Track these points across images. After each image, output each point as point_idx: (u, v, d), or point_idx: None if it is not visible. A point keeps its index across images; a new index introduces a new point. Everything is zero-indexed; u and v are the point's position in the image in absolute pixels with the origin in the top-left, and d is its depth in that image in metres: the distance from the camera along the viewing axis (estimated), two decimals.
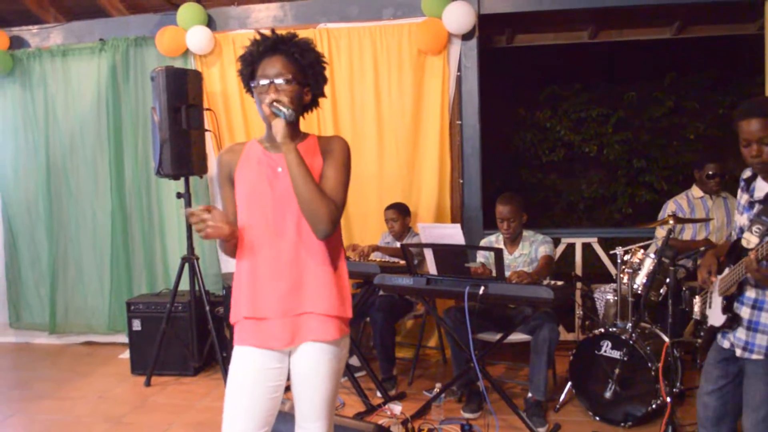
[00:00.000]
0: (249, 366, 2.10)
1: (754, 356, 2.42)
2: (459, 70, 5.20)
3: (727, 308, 2.52)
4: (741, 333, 2.47)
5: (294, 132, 2.13)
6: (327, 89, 2.23)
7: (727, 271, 2.53)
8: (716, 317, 2.59)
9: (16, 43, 5.93)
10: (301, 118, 2.18)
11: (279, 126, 2.01)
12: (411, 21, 5.16)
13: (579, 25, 6.27)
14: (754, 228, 2.40)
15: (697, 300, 2.88)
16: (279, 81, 2.05)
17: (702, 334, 2.81)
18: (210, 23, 5.48)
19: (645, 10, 5.53)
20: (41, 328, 6.03)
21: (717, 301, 2.60)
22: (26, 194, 5.98)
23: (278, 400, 2.13)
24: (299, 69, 2.10)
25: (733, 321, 2.49)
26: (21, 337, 6.15)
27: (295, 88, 2.08)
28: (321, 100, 2.24)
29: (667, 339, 3.70)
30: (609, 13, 5.73)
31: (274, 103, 2.01)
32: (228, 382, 2.12)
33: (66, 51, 5.78)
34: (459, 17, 4.96)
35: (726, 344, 2.55)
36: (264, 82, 2.07)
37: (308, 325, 2.10)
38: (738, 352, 2.48)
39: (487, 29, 5.53)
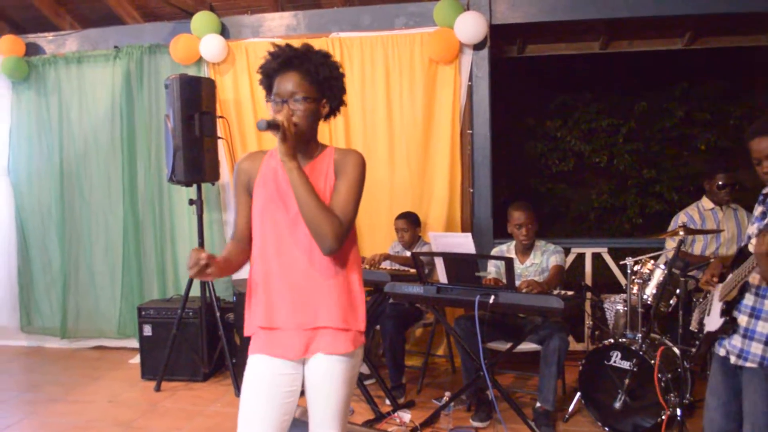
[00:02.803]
0: (263, 372, 2.11)
1: (748, 364, 2.44)
2: (470, 79, 5.22)
3: (726, 312, 2.53)
4: (736, 340, 2.49)
5: (310, 145, 2.16)
6: (345, 102, 2.23)
7: (730, 276, 2.55)
8: (714, 322, 2.61)
9: (32, 49, 5.99)
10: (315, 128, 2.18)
11: (279, 145, 2.00)
12: (423, 31, 5.19)
13: (590, 35, 6.28)
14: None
15: (696, 312, 2.90)
16: (293, 99, 2.06)
17: (697, 342, 2.83)
18: (223, 31, 5.53)
19: (656, 20, 5.54)
20: (53, 332, 6.07)
21: (716, 307, 2.62)
22: (39, 199, 6.03)
23: (293, 405, 2.14)
24: (315, 84, 2.09)
25: (729, 325, 2.50)
26: (32, 341, 6.19)
27: (309, 106, 2.08)
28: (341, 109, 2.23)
29: (677, 350, 3.70)
30: (620, 24, 5.75)
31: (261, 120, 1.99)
32: (242, 389, 2.13)
33: (81, 58, 5.84)
34: (471, 27, 4.99)
35: (722, 352, 2.56)
36: (278, 100, 2.07)
37: (322, 338, 2.11)
38: (732, 359, 2.49)
39: (499, 39, 5.56)
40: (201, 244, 4.97)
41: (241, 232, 2.21)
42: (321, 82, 2.10)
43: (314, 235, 2.05)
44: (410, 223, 4.86)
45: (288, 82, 2.07)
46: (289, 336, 2.10)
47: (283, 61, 2.08)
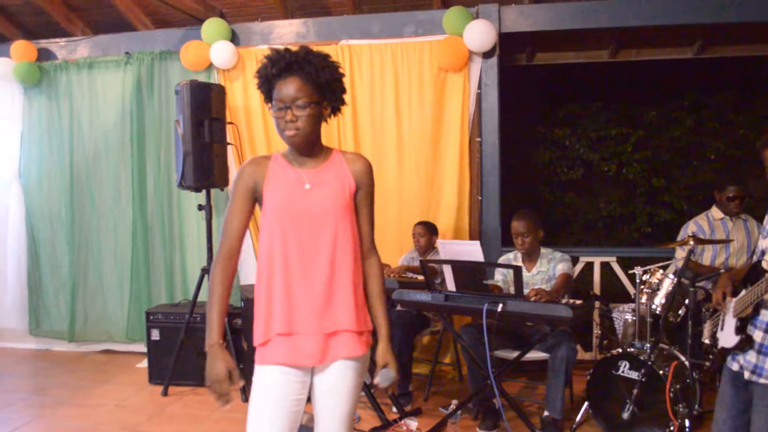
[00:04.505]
0: (273, 380, 2.10)
1: (762, 380, 2.41)
2: (479, 87, 5.23)
3: (741, 329, 2.50)
4: (751, 356, 2.46)
5: (317, 147, 2.17)
6: (347, 106, 2.24)
7: (744, 292, 2.51)
8: (728, 338, 2.58)
9: (44, 55, 6.04)
10: (321, 132, 2.19)
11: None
12: (432, 39, 5.20)
13: (599, 44, 6.27)
14: None
15: (707, 324, 2.87)
16: (296, 104, 2.05)
17: (711, 357, 2.80)
18: (234, 38, 5.56)
19: (666, 29, 5.52)
20: (61, 335, 6.09)
21: (730, 323, 2.58)
22: (49, 203, 6.07)
23: (300, 413, 2.14)
24: (316, 88, 2.08)
25: (745, 342, 2.48)
26: (41, 344, 6.21)
27: (313, 110, 2.07)
28: (342, 109, 2.22)
29: (685, 360, 3.68)
30: (630, 33, 5.74)
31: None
32: (251, 396, 2.12)
33: (92, 63, 5.88)
34: (480, 35, 5.00)
35: (735, 366, 2.54)
36: (280, 106, 2.06)
37: (340, 342, 2.11)
38: (746, 375, 2.47)
39: (508, 47, 5.56)
40: (209, 249, 4.99)
41: (233, 240, 2.16)
42: (323, 85, 2.09)
43: None
44: (428, 230, 4.89)
45: (290, 87, 2.05)
46: (308, 341, 2.08)
47: (284, 65, 2.06)
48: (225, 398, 2.06)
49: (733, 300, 2.58)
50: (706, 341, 2.90)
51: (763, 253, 2.51)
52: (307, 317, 2.09)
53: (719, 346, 2.67)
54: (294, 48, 2.11)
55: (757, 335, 2.45)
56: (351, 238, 2.14)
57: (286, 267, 2.10)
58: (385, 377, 2.13)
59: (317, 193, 2.10)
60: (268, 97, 2.13)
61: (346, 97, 2.21)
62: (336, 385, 2.13)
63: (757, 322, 2.46)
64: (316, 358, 2.10)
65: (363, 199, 2.22)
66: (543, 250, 4.33)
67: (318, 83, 2.08)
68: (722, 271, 4.05)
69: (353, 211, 2.19)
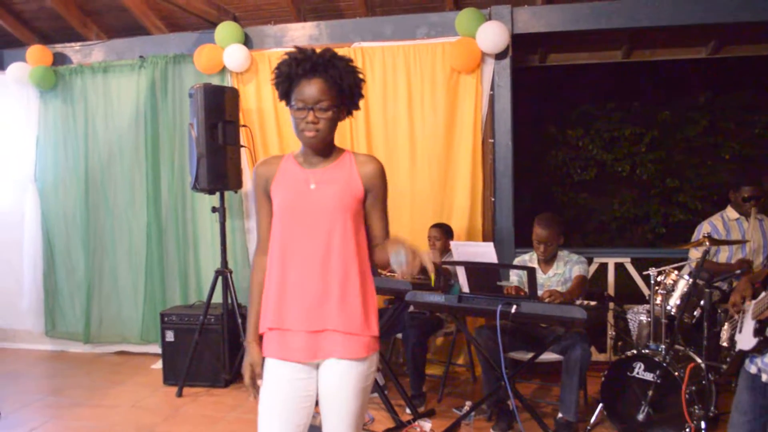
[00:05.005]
0: (279, 377, 2.13)
1: None
2: (492, 89, 5.22)
3: (759, 331, 2.48)
4: None
5: (328, 148, 2.18)
6: (360, 106, 2.24)
7: (763, 294, 2.50)
8: (746, 341, 2.55)
9: (59, 59, 6.10)
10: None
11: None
12: (445, 40, 5.20)
13: (613, 44, 6.25)
14: None
15: (726, 327, 2.85)
16: (318, 107, 2.06)
17: (728, 359, 2.78)
18: (247, 41, 5.59)
19: (680, 29, 5.49)
20: (76, 337, 6.14)
21: (749, 325, 2.56)
22: (65, 206, 6.12)
23: (309, 410, 2.14)
24: (338, 92, 2.09)
25: (764, 345, 2.46)
26: (57, 346, 6.27)
27: (333, 114, 2.09)
28: (354, 113, 2.24)
29: (701, 362, 3.66)
30: (643, 33, 5.71)
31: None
32: (261, 393, 2.15)
33: (107, 67, 5.93)
34: (493, 37, 4.99)
35: (753, 369, 2.52)
36: (301, 106, 2.07)
37: (330, 342, 2.11)
38: (764, 378, 2.45)
39: (521, 49, 5.55)
40: (223, 251, 5.01)
41: (265, 239, 2.22)
42: (344, 90, 2.10)
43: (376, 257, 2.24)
44: (444, 233, 4.88)
45: (313, 89, 2.05)
46: (298, 338, 2.11)
47: (310, 66, 2.06)
48: (251, 390, 2.20)
49: (752, 302, 2.56)
50: (724, 344, 2.87)
51: None
52: (297, 314, 2.11)
53: (737, 349, 2.65)
54: (318, 49, 2.12)
55: None
56: (352, 240, 2.13)
57: (283, 264, 2.13)
58: (395, 259, 2.01)
59: (320, 193, 2.12)
60: (285, 94, 2.14)
61: (360, 101, 2.22)
62: (337, 386, 2.12)
63: None
64: (303, 354, 2.11)
65: (374, 201, 2.21)
66: (560, 253, 4.31)
67: (340, 87, 2.09)
68: (739, 272, 4.03)
69: (358, 213, 2.18)
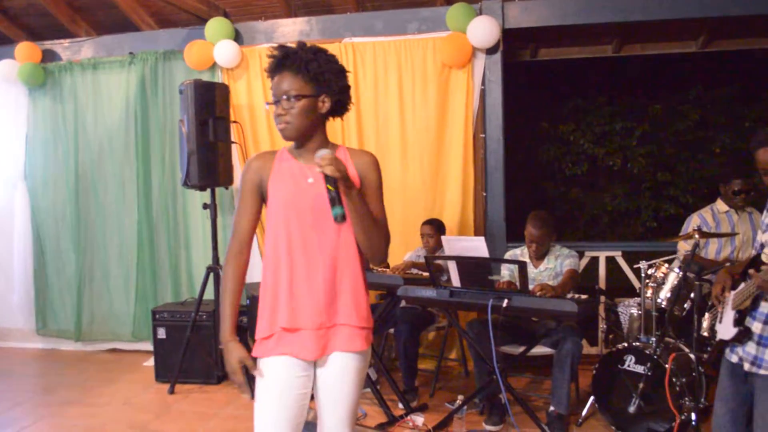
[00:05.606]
0: (278, 375, 2.11)
1: (762, 371, 2.42)
2: (483, 83, 5.22)
3: (739, 321, 2.51)
4: (751, 347, 2.47)
5: (318, 142, 2.16)
6: (351, 97, 2.21)
7: (743, 285, 2.52)
8: (727, 331, 2.58)
9: (48, 56, 6.06)
10: (325, 128, 2.19)
11: (342, 185, 2.01)
12: (435, 35, 5.20)
13: (603, 39, 6.26)
14: None
15: (706, 317, 2.88)
16: (284, 98, 2.06)
17: (709, 349, 2.81)
18: (237, 37, 5.57)
19: (670, 23, 5.51)
20: (67, 335, 6.12)
21: (729, 315, 2.59)
22: (55, 203, 6.10)
23: (305, 408, 2.15)
24: (308, 81, 2.07)
25: (743, 335, 2.48)
26: (47, 344, 6.24)
27: (302, 103, 2.07)
28: (348, 106, 2.21)
29: (691, 353, 3.68)
30: (634, 27, 5.72)
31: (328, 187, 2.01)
32: (257, 392, 2.14)
33: (96, 64, 5.90)
34: (483, 32, 4.99)
35: (734, 358, 2.54)
36: (272, 101, 2.10)
37: (339, 336, 2.12)
38: (746, 366, 2.47)
39: (512, 43, 5.56)
40: (215, 247, 5.00)
41: (243, 235, 2.19)
42: (314, 78, 2.08)
43: (369, 247, 2.13)
44: (436, 229, 4.88)
45: (282, 82, 2.07)
46: (309, 336, 2.09)
47: (276, 62, 2.09)
48: (245, 388, 2.12)
49: (732, 293, 2.59)
50: (705, 334, 2.90)
51: (762, 246, 2.51)
52: (310, 312, 2.10)
53: (717, 338, 2.67)
54: (292, 44, 2.12)
55: (756, 327, 2.45)
56: (353, 233, 2.14)
57: (290, 261, 2.11)
58: (318, 155, 1.98)
59: (319, 186, 2.10)
60: None
61: (351, 93, 2.20)
62: (337, 379, 2.14)
63: (757, 313, 2.46)
64: (315, 352, 2.11)
65: (369, 191, 2.19)
66: (551, 247, 4.33)
67: (309, 76, 2.07)
68: (727, 265, 4.04)
69: None
